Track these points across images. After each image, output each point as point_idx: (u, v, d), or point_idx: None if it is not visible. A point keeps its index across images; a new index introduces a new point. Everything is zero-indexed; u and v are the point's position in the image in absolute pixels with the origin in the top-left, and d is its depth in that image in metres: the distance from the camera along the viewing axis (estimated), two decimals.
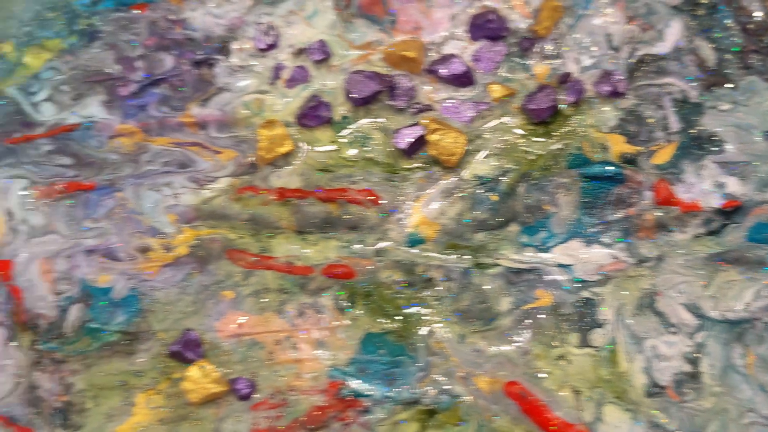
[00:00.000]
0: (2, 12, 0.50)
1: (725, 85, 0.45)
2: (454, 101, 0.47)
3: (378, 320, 0.45)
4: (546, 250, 0.45)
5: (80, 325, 0.46)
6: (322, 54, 0.48)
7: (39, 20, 0.49)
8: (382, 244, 0.46)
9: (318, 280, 0.46)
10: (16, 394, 0.45)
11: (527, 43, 0.46)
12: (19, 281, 0.47)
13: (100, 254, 0.47)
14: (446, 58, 0.46)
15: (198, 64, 0.49)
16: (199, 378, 0.44)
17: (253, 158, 0.48)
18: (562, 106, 0.46)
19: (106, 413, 0.45)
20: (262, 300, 0.46)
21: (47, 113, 0.49)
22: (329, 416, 0.44)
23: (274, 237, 0.47)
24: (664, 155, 0.45)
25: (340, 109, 0.47)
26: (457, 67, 0.46)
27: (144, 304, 0.46)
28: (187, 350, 0.45)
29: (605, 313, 0.44)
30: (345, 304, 0.46)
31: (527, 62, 0.46)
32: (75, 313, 0.47)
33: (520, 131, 0.46)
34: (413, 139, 0.46)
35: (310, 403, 0.44)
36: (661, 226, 0.44)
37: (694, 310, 0.44)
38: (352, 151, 0.47)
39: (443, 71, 0.46)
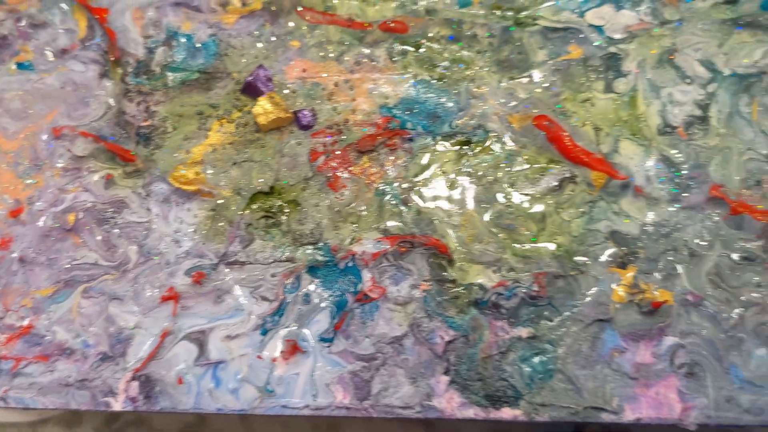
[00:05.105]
0: None
1: None
2: None
3: (425, 69, 0.51)
4: (581, 14, 0.51)
5: (165, 64, 0.53)
6: None
7: None
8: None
9: (375, 33, 0.52)
10: (106, 118, 0.53)
11: None
12: (113, 25, 0.54)
13: (184, 6, 0.54)
14: None
15: None
16: (269, 106, 0.51)
17: None
18: None
19: (184, 136, 0.52)
20: (324, 49, 0.52)
21: None
22: (378, 142, 0.50)
23: None
24: None
25: None
26: None
27: (221, 49, 0.53)
28: (259, 82, 0.51)
29: (629, 65, 0.50)
30: (397, 55, 0.52)
31: None
32: (161, 54, 0.53)
33: None
34: None
35: (363, 134, 0.51)
36: None
37: (708, 65, 0.49)
38: None
39: None
